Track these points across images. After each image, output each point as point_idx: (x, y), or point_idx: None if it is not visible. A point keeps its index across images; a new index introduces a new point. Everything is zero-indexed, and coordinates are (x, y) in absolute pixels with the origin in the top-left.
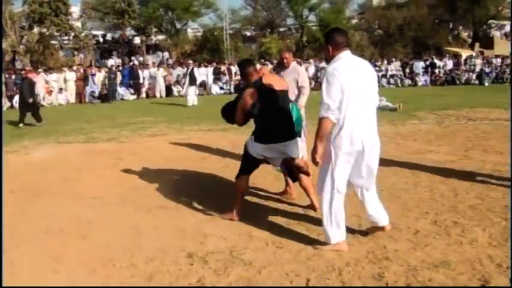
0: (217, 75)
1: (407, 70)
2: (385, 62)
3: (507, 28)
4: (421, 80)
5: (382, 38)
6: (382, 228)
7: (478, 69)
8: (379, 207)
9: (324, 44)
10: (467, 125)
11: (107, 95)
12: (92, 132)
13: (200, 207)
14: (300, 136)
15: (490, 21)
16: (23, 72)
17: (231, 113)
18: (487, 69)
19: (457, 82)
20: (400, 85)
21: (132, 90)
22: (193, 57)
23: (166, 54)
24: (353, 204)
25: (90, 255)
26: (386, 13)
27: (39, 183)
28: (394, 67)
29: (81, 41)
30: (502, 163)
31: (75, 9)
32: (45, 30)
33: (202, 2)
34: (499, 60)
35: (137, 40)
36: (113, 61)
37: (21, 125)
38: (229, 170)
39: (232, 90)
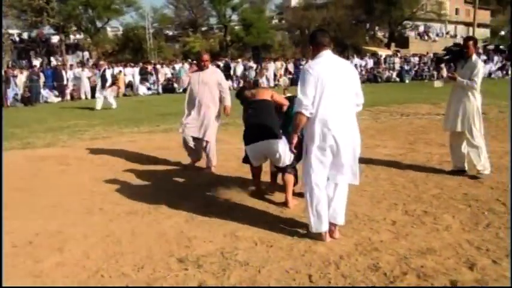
0: (144, 76)
1: None
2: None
3: (421, 28)
4: None
5: (303, 37)
6: (334, 226)
7: (397, 67)
8: (342, 206)
9: (308, 44)
10: (402, 120)
11: (30, 98)
12: (26, 137)
13: (171, 209)
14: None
15: (405, 22)
16: None
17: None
18: (406, 67)
19: (379, 80)
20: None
21: (56, 92)
22: (115, 57)
23: (86, 54)
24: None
25: (73, 268)
26: (307, 13)
27: None
28: None
29: None
30: (447, 154)
31: None
32: None
33: (123, 0)
34: (417, 58)
35: (55, 39)
36: (38, 61)
37: None
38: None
39: (160, 90)
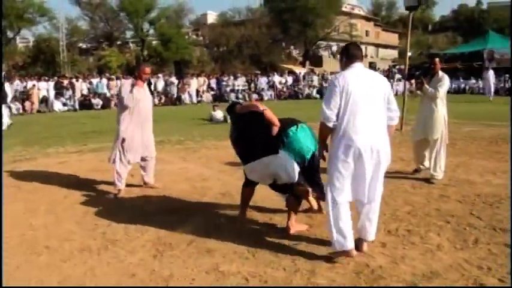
0: (59, 90)
1: (252, 85)
2: (232, 77)
3: (334, 48)
4: (267, 94)
5: (222, 54)
6: (361, 242)
7: (315, 84)
8: (371, 222)
9: (339, 56)
10: None
11: None
12: None
13: (131, 242)
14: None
15: (319, 42)
16: None
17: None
18: (325, 84)
19: (300, 96)
20: (247, 99)
21: None
22: (26, 70)
23: None
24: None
25: None
26: (225, 30)
27: None
28: (241, 82)
29: None
30: (400, 166)
31: None
32: None
33: (37, 9)
34: (334, 76)
35: None
36: None
37: None
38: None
39: (77, 106)
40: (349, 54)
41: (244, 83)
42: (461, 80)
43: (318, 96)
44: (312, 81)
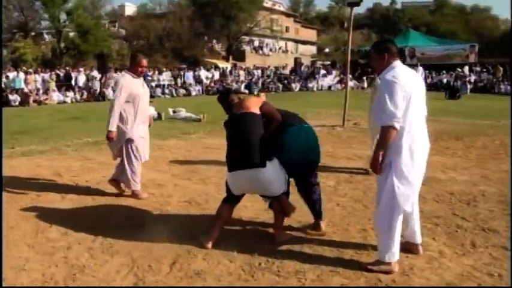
0: None
1: (179, 80)
2: (157, 72)
3: (256, 43)
4: (195, 89)
5: (142, 47)
6: (415, 246)
7: (242, 78)
8: (419, 225)
9: (377, 53)
10: None
11: None
12: None
13: (101, 271)
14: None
15: (242, 36)
16: None
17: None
18: (254, 79)
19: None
20: (174, 95)
21: None
22: None
23: None
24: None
25: None
26: (145, 23)
27: None
28: (166, 77)
29: None
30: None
31: None
32: None
33: None
34: (260, 71)
35: None
36: None
37: None
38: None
39: None
40: (392, 51)
41: (170, 77)
42: None
43: (246, 91)
44: (238, 75)
